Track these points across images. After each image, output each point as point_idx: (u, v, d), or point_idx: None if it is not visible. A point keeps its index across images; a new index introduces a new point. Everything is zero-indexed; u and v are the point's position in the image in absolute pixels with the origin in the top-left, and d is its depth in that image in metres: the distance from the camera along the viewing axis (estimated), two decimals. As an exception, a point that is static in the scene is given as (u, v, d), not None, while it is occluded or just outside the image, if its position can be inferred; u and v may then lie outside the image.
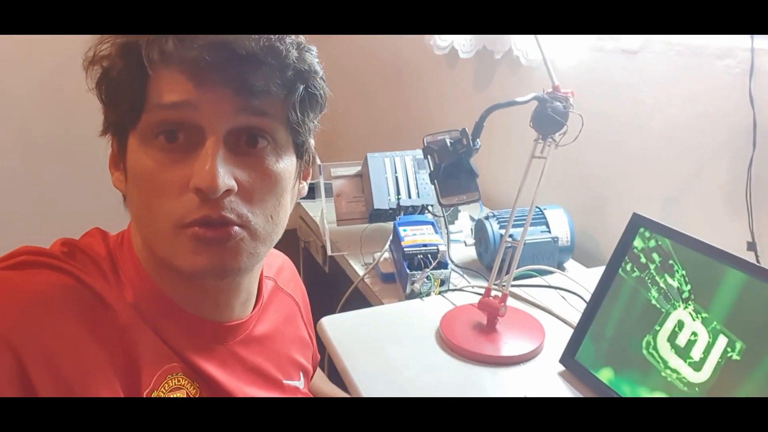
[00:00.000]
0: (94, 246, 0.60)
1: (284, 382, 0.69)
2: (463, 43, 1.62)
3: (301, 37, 0.56)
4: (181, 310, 0.60)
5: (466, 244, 1.29)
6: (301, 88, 0.55)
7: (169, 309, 0.59)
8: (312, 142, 0.61)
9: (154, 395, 0.54)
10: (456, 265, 1.25)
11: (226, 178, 0.52)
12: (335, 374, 0.93)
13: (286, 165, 0.57)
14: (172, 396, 0.55)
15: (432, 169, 0.92)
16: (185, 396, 0.56)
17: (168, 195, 0.53)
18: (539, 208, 1.25)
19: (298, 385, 0.72)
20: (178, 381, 0.56)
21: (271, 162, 0.55)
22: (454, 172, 0.90)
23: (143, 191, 0.54)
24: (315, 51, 0.57)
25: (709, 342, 0.72)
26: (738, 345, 0.69)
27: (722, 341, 0.70)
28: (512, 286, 1.11)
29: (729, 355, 0.70)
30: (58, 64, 1.92)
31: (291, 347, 0.73)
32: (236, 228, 0.54)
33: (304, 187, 0.64)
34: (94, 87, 0.55)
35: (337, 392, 0.95)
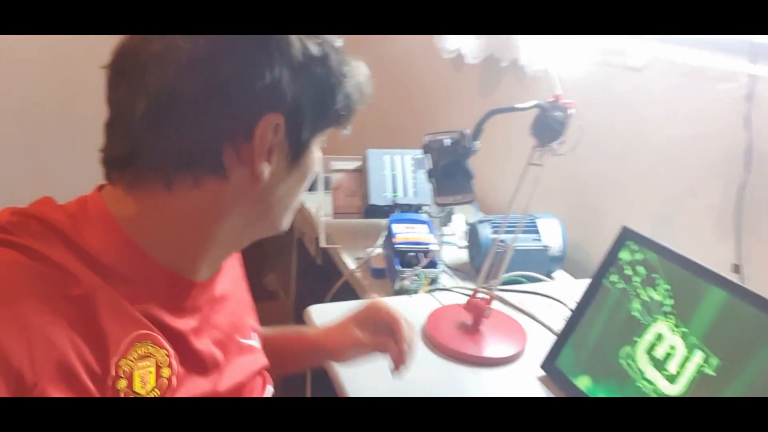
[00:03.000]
0: (48, 212, 0.56)
1: (241, 341, 0.70)
2: (471, 48, 1.63)
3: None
4: (153, 262, 0.57)
5: (459, 247, 1.30)
6: None
7: (140, 260, 0.57)
8: None
9: (122, 363, 0.53)
10: (447, 266, 1.26)
11: None
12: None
13: None
14: (140, 363, 0.54)
15: (431, 167, 0.93)
16: (154, 364, 0.56)
17: None
18: (532, 217, 1.26)
19: (253, 344, 0.74)
20: (147, 349, 0.55)
21: None
22: (451, 172, 0.92)
23: (304, 183, 0.64)
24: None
25: (685, 356, 0.73)
26: (714, 361, 0.70)
27: (698, 356, 0.72)
28: (500, 290, 1.12)
29: (704, 370, 0.71)
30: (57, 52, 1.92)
31: (243, 308, 0.75)
32: None
33: None
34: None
35: (283, 331, 0.89)
